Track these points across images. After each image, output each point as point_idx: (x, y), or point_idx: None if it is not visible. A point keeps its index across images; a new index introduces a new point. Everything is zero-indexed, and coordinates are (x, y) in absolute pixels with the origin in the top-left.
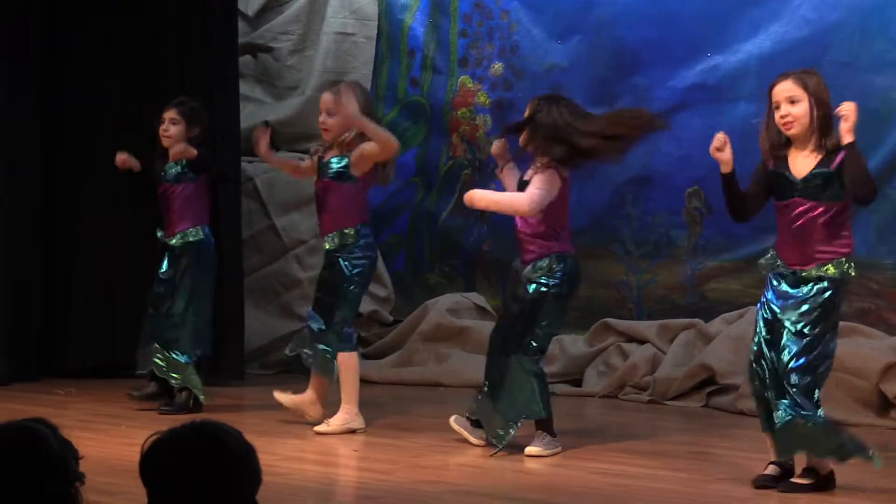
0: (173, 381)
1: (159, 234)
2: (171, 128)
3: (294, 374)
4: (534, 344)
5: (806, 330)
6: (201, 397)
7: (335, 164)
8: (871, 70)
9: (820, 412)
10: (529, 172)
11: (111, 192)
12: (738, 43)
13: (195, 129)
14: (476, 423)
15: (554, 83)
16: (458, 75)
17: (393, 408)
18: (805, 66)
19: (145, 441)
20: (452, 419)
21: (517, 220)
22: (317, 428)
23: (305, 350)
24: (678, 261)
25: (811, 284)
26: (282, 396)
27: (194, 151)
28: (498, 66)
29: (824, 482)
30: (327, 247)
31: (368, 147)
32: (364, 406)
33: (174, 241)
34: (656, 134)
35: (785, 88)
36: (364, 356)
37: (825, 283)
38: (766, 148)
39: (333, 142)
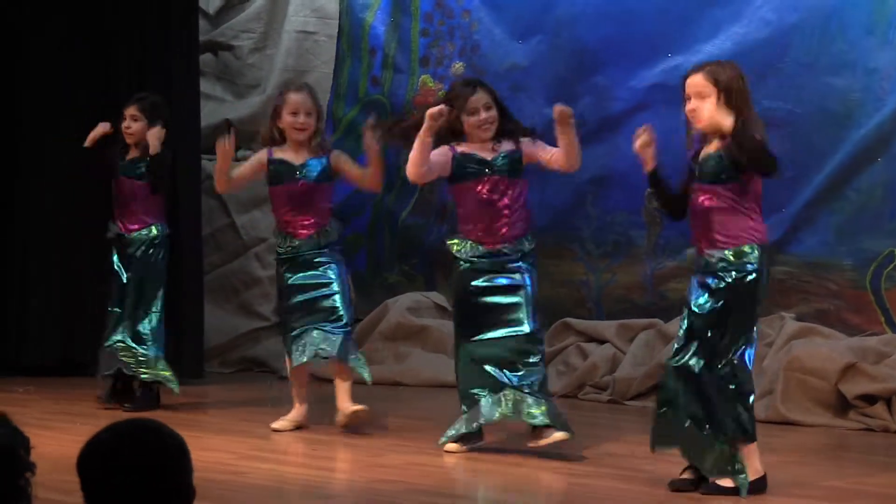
0: (143, 377)
1: (112, 227)
2: (133, 124)
3: (252, 372)
4: None
5: None
6: (175, 389)
7: (316, 166)
8: (831, 71)
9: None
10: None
11: (67, 189)
12: (698, 43)
13: (157, 124)
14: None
15: (514, 83)
16: (419, 74)
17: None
18: (765, 67)
19: (79, 453)
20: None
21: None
22: (273, 425)
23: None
24: (638, 260)
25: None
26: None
27: (156, 150)
28: (459, 66)
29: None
30: (308, 246)
31: (352, 171)
32: (324, 404)
33: (135, 235)
34: (615, 133)
35: (694, 82)
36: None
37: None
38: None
39: (303, 142)
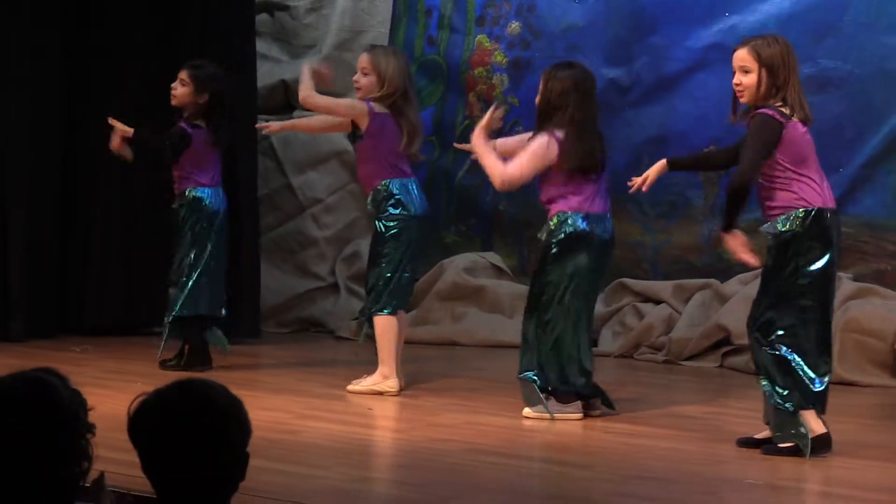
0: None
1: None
2: (179, 88)
3: (309, 332)
4: None
5: None
6: (158, 352)
7: None
8: (890, 31)
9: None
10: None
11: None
12: (756, 3)
13: (204, 96)
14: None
15: (570, 43)
16: (476, 34)
17: (408, 367)
18: (824, 26)
19: (130, 404)
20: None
21: None
22: (349, 387)
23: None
24: (694, 221)
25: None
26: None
27: (182, 122)
28: (515, 26)
29: (816, 443)
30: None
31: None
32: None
33: (175, 204)
34: (672, 94)
35: (739, 57)
36: None
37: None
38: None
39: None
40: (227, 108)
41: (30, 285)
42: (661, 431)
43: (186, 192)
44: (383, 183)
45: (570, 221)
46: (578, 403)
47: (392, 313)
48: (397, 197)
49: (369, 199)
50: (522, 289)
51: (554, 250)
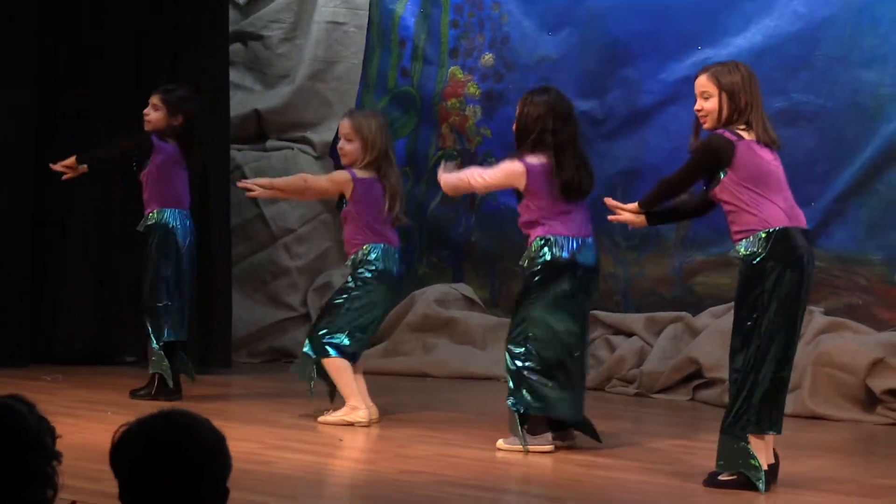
0: (150, 368)
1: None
2: (151, 113)
3: (281, 362)
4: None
5: None
6: (169, 382)
7: None
8: (862, 65)
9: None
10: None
11: (102, 179)
12: (729, 36)
13: (178, 117)
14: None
15: (544, 75)
16: (449, 66)
17: (379, 398)
18: (796, 60)
19: (115, 432)
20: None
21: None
22: (319, 418)
23: None
24: (666, 254)
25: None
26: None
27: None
28: (488, 57)
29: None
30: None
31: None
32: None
33: (140, 227)
34: (645, 126)
35: (700, 83)
36: None
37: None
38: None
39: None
40: (197, 130)
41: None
42: (633, 465)
43: (151, 214)
44: (366, 247)
45: (551, 247)
46: (549, 435)
47: (339, 355)
48: (376, 264)
49: (349, 261)
50: (494, 320)
51: (536, 278)
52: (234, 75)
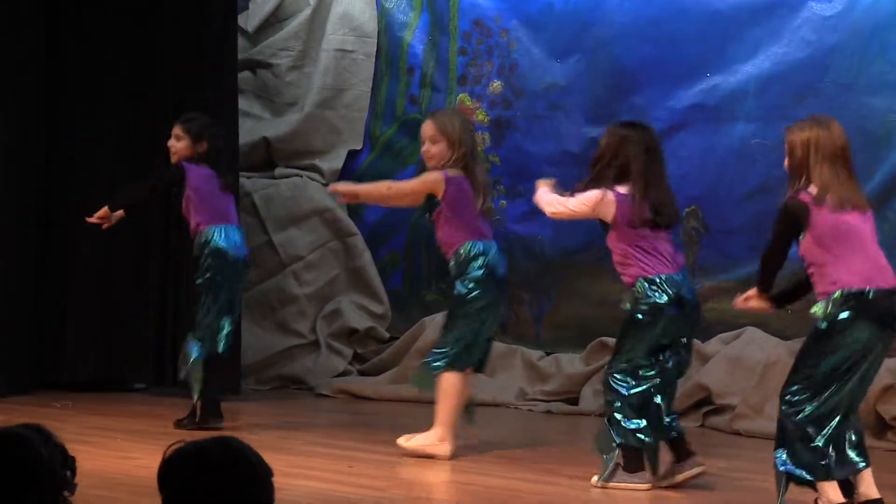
0: (181, 374)
1: None
2: (175, 144)
3: (290, 389)
4: None
5: None
6: (195, 395)
7: None
8: (871, 92)
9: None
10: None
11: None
12: (737, 63)
13: (203, 144)
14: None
15: (552, 102)
16: (457, 93)
17: (388, 424)
18: (805, 87)
19: (167, 449)
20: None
21: None
22: (399, 440)
23: None
24: None
25: None
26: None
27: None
28: (497, 85)
29: None
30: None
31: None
32: (360, 423)
33: (195, 251)
34: None
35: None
36: (360, 373)
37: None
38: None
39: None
40: (223, 152)
41: (5, 341)
42: (643, 492)
43: (200, 234)
44: (466, 245)
45: (653, 288)
46: (645, 474)
47: (460, 370)
48: (482, 258)
49: (451, 262)
50: (504, 348)
51: (639, 317)
52: (243, 103)
